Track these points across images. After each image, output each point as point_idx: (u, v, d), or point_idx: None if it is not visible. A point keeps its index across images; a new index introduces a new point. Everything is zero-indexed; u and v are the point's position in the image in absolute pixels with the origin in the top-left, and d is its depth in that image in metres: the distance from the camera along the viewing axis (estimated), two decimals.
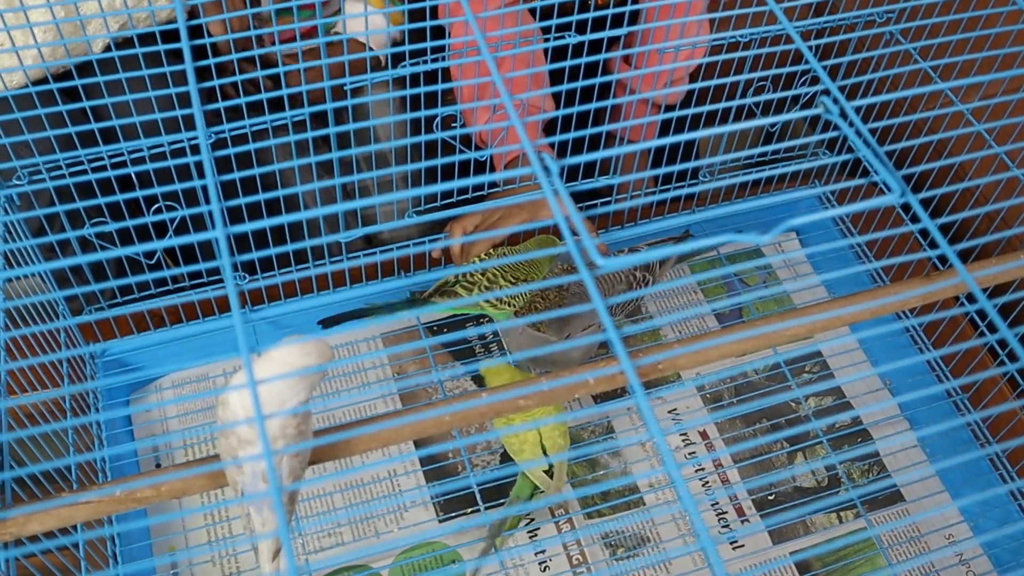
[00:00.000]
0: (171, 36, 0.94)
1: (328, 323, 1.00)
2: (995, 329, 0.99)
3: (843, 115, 0.54)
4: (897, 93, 0.63)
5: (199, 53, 0.77)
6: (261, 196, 0.66)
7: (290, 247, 0.59)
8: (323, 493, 0.99)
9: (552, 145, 1.05)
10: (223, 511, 0.97)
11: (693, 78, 1.19)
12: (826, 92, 0.56)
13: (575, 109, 0.75)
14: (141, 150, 0.86)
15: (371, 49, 1.19)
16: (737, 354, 0.70)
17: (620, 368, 0.45)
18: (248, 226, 0.50)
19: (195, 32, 0.97)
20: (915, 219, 0.53)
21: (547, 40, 0.93)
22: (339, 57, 0.76)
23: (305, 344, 0.60)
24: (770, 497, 1.02)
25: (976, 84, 0.76)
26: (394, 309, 1.00)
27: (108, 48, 1.01)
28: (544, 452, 0.95)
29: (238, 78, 0.81)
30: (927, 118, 0.98)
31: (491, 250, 1.03)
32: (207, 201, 0.61)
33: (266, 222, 0.51)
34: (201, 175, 0.74)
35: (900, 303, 0.69)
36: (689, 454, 1.05)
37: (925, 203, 0.55)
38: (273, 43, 1.13)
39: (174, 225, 0.93)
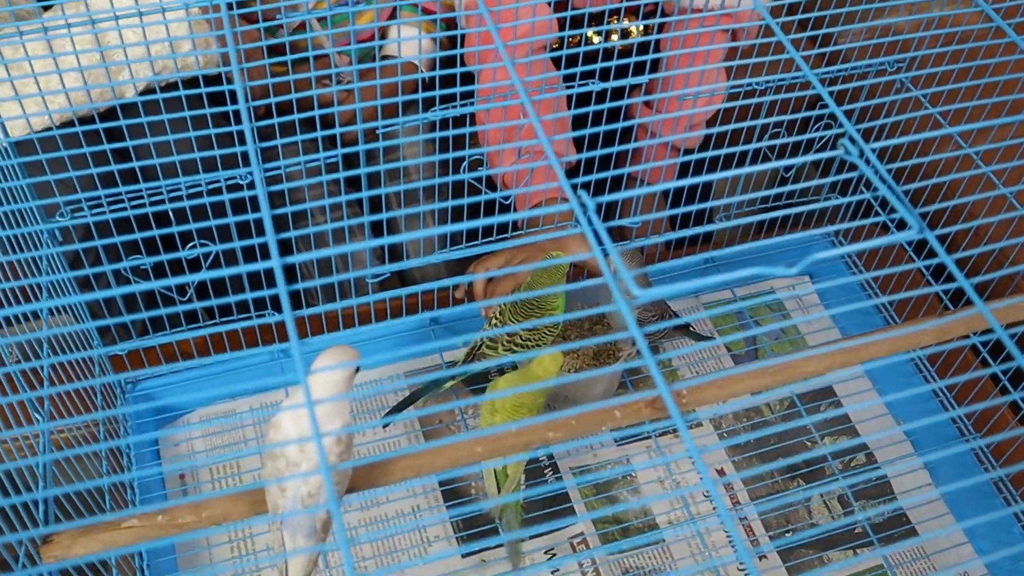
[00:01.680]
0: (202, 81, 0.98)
1: (393, 412, 1.04)
2: (999, 354, 1.01)
3: (862, 156, 0.56)
4: (909, 136, 0.66)
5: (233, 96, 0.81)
6: (293, 232, 0.69)
7: (318, 281, 0.62)
8: (348, 527, 1.01)
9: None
10: (247, 528, 0.99)
11: (711, 124, 1.22)
12: (842, 135, 0.59)
13: (597, 152, 0.78)
14: (179, 188, 0.89)
15: (422, 70, 1.23)
16: (763, 388, 0.72)
17: (657, 392, 0.47)
18: (300, 257, 0.53)
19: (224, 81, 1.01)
20: (929, 256, 0.56)
21: (570, 87, 0.97)
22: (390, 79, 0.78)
23: (338, 351, 0.63)
24: (787, 534, 1.04)
25: (984, 129, 0.79)
26: (439, 383, 1.02)
27: (150, 89, 1.05)
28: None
29: (272, 100, 0.83)
30: (937, 161, 1.01)
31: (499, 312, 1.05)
32: (254, 235, 0.64)
33: (301, 257, 0.54)
34: (235, 212, 0.77)
35: (916, 335, 0.72)
36: (706, 493, 1.06)
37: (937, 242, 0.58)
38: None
39: (208, 261, 0.96)
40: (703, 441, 1.10)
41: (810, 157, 0.59)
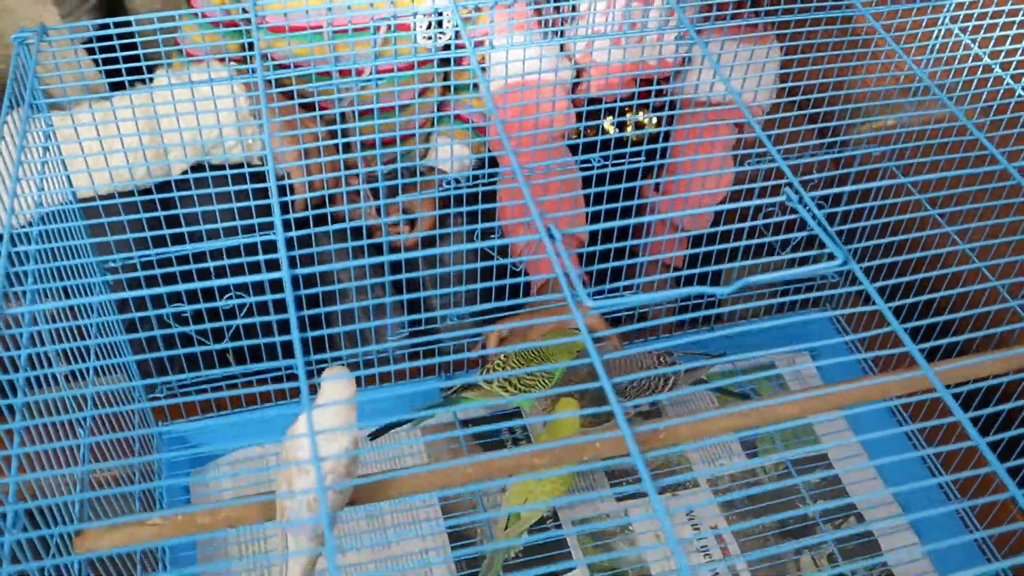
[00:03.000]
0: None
1: (375, 435, 1.13)
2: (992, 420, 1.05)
3: (800, 200, 0.65)
4: (860, 185, 0.74)
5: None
6: (323, 309, 0.78)
7: (344, 350, 0.71)
8: (357, 564, 1.07)
9: (590, 273, 1.17)
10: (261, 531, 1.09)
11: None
12: (788, 185, 0.67)
13: (607, 224, 0.88)
14: (220, 251, 1.00)
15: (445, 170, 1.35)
16: (735, 429, 0.78)
17: (619, 434, 0.53)
18: (322, 309, 0.62)
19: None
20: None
21: (585, 169, 1.08)
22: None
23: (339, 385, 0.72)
24: None
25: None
26: (431, 408, 1.11)
27: (200, 166, 1.18)
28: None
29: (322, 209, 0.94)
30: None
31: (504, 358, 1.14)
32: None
33: (325, 305, 0.63)
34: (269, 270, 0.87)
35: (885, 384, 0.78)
36: (706, 557, 1.11)
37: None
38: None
39: (242, 312, 1.06)
40: (698, 497, 1.15)
41: (755, 202, 0.67)
